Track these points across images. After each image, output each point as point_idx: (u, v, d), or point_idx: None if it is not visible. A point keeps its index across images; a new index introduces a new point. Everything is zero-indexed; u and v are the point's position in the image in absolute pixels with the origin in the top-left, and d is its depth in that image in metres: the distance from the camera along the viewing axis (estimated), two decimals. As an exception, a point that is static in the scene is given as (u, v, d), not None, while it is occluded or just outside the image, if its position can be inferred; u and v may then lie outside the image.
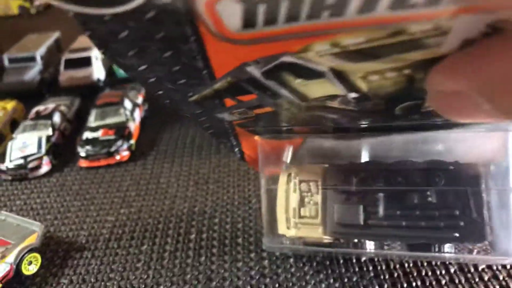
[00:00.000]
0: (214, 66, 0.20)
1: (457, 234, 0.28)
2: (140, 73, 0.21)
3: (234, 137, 0.33)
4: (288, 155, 0.38)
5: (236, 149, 0.37)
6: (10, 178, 0.55)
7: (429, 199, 0.29)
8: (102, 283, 0.39)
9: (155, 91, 0.23)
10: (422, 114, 0.24)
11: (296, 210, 0.33)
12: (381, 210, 0.30)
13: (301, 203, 0.33)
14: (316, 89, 0.22)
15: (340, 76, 0.20)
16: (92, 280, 0.39)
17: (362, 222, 0.30)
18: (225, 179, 0.50)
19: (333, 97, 0.23)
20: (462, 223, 0.29)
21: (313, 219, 0.32)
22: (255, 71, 0.20)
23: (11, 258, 0.39)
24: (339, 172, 0.32)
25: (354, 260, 0.38)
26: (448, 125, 0.28)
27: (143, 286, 0.38)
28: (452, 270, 0.36)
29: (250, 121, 0.28)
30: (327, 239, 0.33)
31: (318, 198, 0.32)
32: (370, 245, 0.33)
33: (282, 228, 0.34)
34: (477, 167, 0.29)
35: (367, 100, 0.23)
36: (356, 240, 0.33)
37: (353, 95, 0.23)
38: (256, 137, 0.33)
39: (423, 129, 0.28)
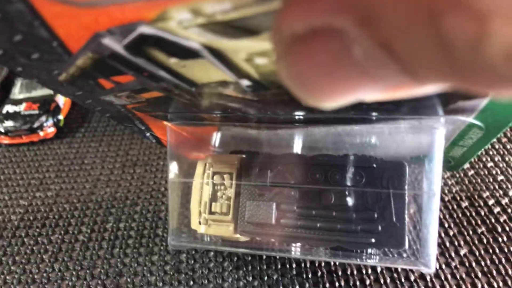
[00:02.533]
0: (62, 36, 0.16)
1: (373, 240, 0.26)
2: None
3: (139, 121, 0.29)
4: (216, 140, 0.35)
5: (148, 134, 0.33)
6: None
7: (348, 199, 0.26)
8: (2, 276, 0.35)
9: (12, 67, 0.19)
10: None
11: (207, 205, 0.29)
12: (295, 209, 0.27)
13: (214, 197, 0.30)
14: (199, 73, 0.19)
15: (220, 56, 0.17)
16: (-13, 274, 0.35)
17: (274, 222, 0.27)
18: (154, 162, 0.47)
19: (224, 83, 0.20)
20: (380, 228, 0.26)
21: (224, 216, 0.29)
22: (114, 45, 0.16)
23: None
24: (254, 165, 0.29)
25: (278, 257, 0.35)
26: (366, 120, 0.24)
27: (45, 281, 0.35)
28: (378, 270, 0.34)
29: (144, 105, 0.25)
30: (241, 238, 0.30)
31: (232, 192, 0.29)
32: (295, 247, 0.31)
33: (194, 223, 0.31)
34: (402, 167, 0.26)
35: (264, 89, 0.20)
36: (273, 240, 0.30)
37: (245, 82, 0.19)
38: (165, 123, 0.29)
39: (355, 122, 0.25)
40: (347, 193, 0.27)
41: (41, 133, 0.51)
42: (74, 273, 0.35)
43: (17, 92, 0.54)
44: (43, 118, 0.51)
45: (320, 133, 0.28)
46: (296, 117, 0.24)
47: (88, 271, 0.35)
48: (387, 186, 0.26)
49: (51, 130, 0.51)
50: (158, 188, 0.43)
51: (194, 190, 0.31)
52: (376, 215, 0.26)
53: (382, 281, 0.33)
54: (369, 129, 0.27)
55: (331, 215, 0.27)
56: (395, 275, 0.33)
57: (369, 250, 0.29)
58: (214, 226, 0.29)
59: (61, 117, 0.53)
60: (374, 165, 0.27)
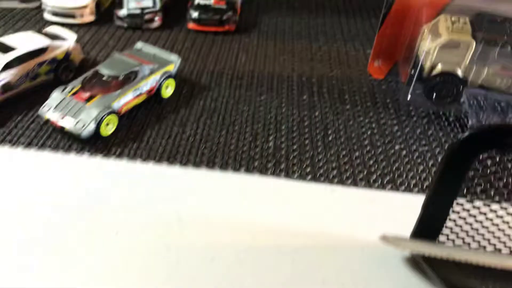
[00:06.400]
0: None
1: None
2: None
3: None
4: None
5: None
6: (125, 25, 0.60)
7: None
8: (228, 112, 0.45)
9: None
10: None
11: None
12: None
13: None
14: None
15: None
16: (214, 106, 0.45)
17: None
18: (328, 61, 0.55)
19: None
20: None
21: None
22: None
23: (157, 77, 0.45)
24: None
25: None
26: None
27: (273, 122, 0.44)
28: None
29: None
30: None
31: None
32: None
33: None
34: None
35: None
36: None
37: None
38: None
39: None
40: None
41: (226, 26, 0.60)
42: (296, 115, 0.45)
43: (204, -12, 0.64)
44: (230, 13, 0.60)
45: None
46: None
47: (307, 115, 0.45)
48: None
49: (233, 25, 0.61)
50: (336, 76, 0.52)
51: None
52: None
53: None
54: None
55: None
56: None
57: None
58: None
59: (237, 17, 0.62)
60: None
